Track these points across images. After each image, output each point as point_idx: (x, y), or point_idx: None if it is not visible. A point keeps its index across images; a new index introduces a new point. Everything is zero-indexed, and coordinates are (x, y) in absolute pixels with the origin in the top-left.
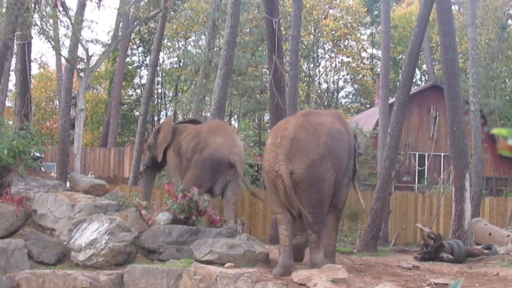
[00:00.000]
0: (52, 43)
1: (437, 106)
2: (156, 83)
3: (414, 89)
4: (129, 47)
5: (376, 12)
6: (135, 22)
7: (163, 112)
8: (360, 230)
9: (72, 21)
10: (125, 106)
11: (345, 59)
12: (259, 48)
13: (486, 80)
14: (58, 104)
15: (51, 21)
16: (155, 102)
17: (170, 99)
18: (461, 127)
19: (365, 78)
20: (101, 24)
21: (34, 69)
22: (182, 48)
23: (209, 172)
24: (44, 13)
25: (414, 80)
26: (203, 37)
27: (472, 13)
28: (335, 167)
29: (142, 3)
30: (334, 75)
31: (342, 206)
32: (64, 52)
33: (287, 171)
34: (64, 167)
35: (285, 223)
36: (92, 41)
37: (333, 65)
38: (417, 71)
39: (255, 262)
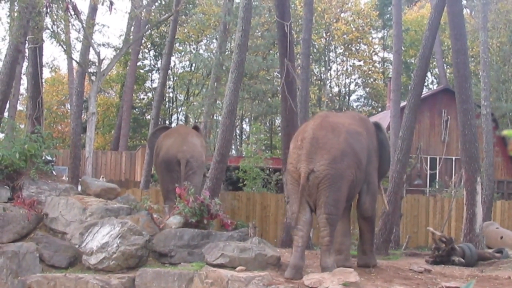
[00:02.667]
0: (64, 46)
1: (449, 110)
2: (167, 86)
3: (425, 93)
4: (141, 51)
5: (387, 16)
6: (147, 26)
7: (174, 116)
8: None
9: (84, 25)
10: (137, 109)
11: (357, 63)
12: (271, 51)
13: (497, 83)
14: (69, 107)
15: (62, 24)
16: (167, 105)
17: (181, 102)
18: (472, 130)
19: (376, 81)
20: (112, 28)
21: (46, 73)
22: (194, 51)
23: (167, 174)
24: (55, 16)
25: (425, 84)
26: (214, 40)
27: (483, 16)
28: (355, 166)
29: (153, 7)
30: (345, 78)
31: (370, 213)
32: (76, 55)
33: (307, 169)
34: (75, 170)
35: (301, 224)
36: (103, 45)
37: (345, 68)
38: (429, 75)
39: (266, 266)
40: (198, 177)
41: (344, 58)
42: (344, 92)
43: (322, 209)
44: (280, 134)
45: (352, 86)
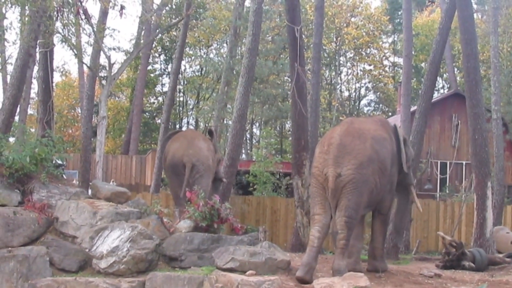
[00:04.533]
0: (74, 50)
1: (459, 114)
2: (177, 91)
3: (436, 97)
4: (151, 55)
5: (398, 20)
6: (157, 30)
7: (184, 120)
8: None
9: (95, 29)
10: (147, 113)
11: (367, 67)
12: (281, 56)
13: (508, 87)
14: (80, 111)
15: (73, 29)
16: (177, 110)
17: (191, 107)
18: (483, 135)
19: (386, 86)
20: (123, 32)
21: (56, 77)
22: (204, 56)
23: (175, 178)
24: (66, 21)
25: (436, 88)
26: (225, 45)
27: (494, 21)
28: (379, 172)
29: (164, 11)
30: (355, 83)
31: (386, 211)
32: (86, 59)
33: (334, 173)
34: (86, 174)
35: (320, 225)
36: (114, 49)
37: (355, 73)
38: (439, 79)
39: (276, 270)
40: (205, 180)
41: (355, 63)
42: (354, 96)
43: (343, 212)
44: (290, 138)
45: (362, 91)
